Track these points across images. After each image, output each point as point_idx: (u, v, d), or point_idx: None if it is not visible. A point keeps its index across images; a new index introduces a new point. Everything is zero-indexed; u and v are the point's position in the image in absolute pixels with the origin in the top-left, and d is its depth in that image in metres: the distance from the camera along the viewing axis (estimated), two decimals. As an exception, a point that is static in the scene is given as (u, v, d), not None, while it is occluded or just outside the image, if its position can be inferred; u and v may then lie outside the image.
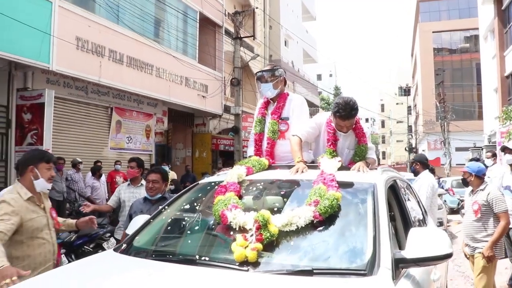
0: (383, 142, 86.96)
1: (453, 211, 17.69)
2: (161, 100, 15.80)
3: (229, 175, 3.38)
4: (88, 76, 11.85)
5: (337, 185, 2.95)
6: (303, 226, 2.65)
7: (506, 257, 5.61)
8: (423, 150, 48.78)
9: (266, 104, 4.32)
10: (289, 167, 3.62)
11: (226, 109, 19.30)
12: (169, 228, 3.26)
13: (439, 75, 40.59)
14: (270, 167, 3.85)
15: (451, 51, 49.25)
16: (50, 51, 10.37)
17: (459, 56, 48.04)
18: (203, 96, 17.59)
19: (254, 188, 3.34)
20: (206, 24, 18.27)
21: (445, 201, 16.54)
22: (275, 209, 2.90)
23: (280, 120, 4.15)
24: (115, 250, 3.03)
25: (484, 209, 5.09)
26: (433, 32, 48.55)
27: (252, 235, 2.58)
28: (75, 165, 11.54)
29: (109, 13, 12.59)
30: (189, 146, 19.34)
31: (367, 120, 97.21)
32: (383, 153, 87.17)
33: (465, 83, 45.73)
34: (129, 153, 14.48)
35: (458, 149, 38.17)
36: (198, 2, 17.08)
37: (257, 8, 22.54)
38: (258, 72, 4.33)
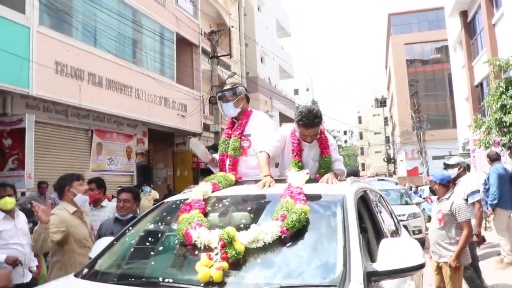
0: (362, 153, 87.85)
1: (431, 219, 17.99)
2: (141, 121, 15.89)
3: (194, 192, 3.28)
4: (68, 99, 11.93)
5: (305, 198, 2.89)
6: (271, 242, 2.55)
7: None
8: (401, 160, 49.58)
9: (232, 124, 4.26)
10: (257, 181, 3.52)
11: (206, 127, 19.47)
12: (133, 249, 3.09)
13: (413, 86, 41.49)
14: (237, 182, 3.76)
15: (424, 62, 50.39)
16: (29, 76, 10.47)
17: (431, 67, 49.21)
18: (183, 116, 17.75)
19: (220, 205, 3.22)
20: (183, 44, 18.51)
21: (423, 209, 16.88)
22: (242, 225, 2.77)
23: (242, 137, 4.09)
24: (75, 275, 2.87)
25: (447, 218, 5.22)
26: (405, 44, 49.65)
27: (217, 254, 2.47)
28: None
29: (87, 36, 12.73)
30: (170, 165, 19.42)
31: (345, 132, 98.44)
32: (363, 164, 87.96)
33: (438, 93, 46.70)
34: (111, 174, 14.56)
35: (435, 158, 38.80)
36: (174, 23, 17.33)
37: (232, 27, 22.90)
38: (218, 92, 4.30)
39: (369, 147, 75.85)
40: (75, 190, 4.32)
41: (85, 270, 2.85)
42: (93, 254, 3.15)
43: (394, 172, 54.81)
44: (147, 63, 15.92)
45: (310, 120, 3.54)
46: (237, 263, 2.47)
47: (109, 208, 5.62)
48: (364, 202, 3.47)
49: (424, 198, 18.30)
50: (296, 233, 2.62)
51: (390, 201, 13.31)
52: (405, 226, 11.43)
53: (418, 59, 50.82)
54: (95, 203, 5.68)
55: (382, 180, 18.42)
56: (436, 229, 5.40)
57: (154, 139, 18.10)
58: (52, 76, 11.26)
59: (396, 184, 16.58)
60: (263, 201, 3.22)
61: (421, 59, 50.80)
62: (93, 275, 2.77)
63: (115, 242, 3.17)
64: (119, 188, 11.65)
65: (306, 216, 2.70)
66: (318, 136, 3.75)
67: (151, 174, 18.70)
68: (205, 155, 4.28)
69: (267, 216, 2.82)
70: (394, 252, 2.39)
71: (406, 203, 13.65)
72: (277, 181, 3.44)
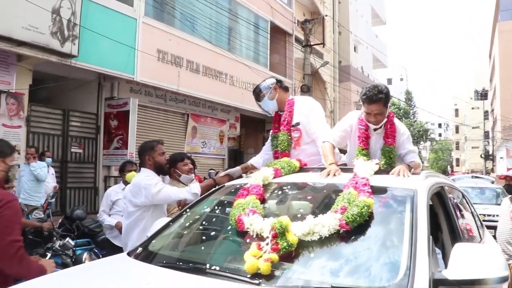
0: (457, 148, 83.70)
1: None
2: (234, 107, 16.52)
3: (254, 177, 3.14)
4: (168, 85, 12.78)
5: (370, 190, 2.63)
6: (327, 236, 2.34)
7: None
8: (501, 158, 46.78)
9: (278, 117, 4.12)
10: (322, 169, 3.31)
11: (296, 115, 19.68)
12: (185, 232, 3.03)
13: (520, 78, 38.82)
14: (301, 169, 3.57)
15: (535, 51, 46.80)
16: (134, 63, 11.35)
17: (543, 57, 45.64)
18: (274, 103, 18.12)
19: (280, 192, 3.06)
20: (277, 33, 18.86)
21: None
22: (300, 215, 2.57)
23: (292, 128, 3.92)
24: (129, 253, 2.86)
25: None
26: (514, 31, 46.32)
27: (267, 244, 2.30)
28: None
29: (186, 26, 13.46)
30: (260, 150, 19.87)
31: (440, 125, 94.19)
32: (457, 160, 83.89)
33: (549, 86, 43.36)
34: (204, 157, 15.41)
35: (539, 156, 36.39)
36: (269, 12, 17.72)
37: (326, 15, 22.88)
38: (252, 93, 4.20)
39: (466, 141, 72.14)
40: (180, 170, 4.67)
41: (139, 249, 2.83)
42: (150, 233, 3.12)
43: (492, 170, 51.72)
44: (241, 51, 16.47)
45: (373, 93, 3.35)
46: (288, 256, 2.30)
47: None
48: (440, 199, 3.18)
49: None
50: (356, 228, 2.39)
51: (484, 200, 13.00)
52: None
53: (529, 48, 47.24)
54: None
55: (476, 177, 17.58)
56: (509, 229, 5.33)
57: (246, 124, 18.65)
58: (154, 63, 12.09)
59: (492, 182, 15.76)
60: (325, 191, 2.99)
61: (531, 48, 47.20)
62: (145, 255, 2.73)
63: (171, 223, 3.11)
64: (211, 171, 12.33)
65: (370, 210, 2.46)
66: (385, 121, 3.53)
67: (242, 158, 19.30)
68: (235, 173, 4.10)
69: (328, 207, 2.57)
70: (469, 259, 2.06)
71: (502, 204, 13.04)
72: (343, 170, 3.22)
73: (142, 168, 4.15)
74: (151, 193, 3.82)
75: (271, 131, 4.20)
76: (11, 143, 3.23)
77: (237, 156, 18.70)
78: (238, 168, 4.16)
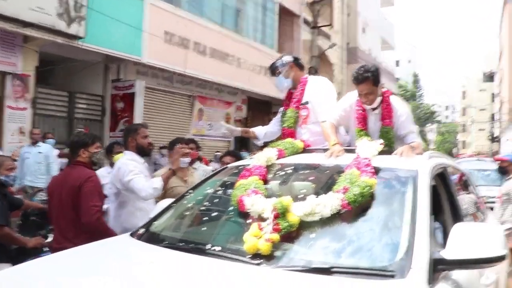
0: (464, 131, 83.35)
1: None
2: (241, 89, 16.38)
3: (257, 158, 3.14)
4: (175, 67, 12.66)
5: (372, 170, 2.63)
6: (329, 216, 2.33)
7: None
8: (507, 140, 46.57)
9: (289, 95, 4.12)
10: (325, 150, 3.31)
11: (303, 97, 19.58)
12: (188, 213, 3.06)
13: (528, 60, 38.46)
14: (305, 150, 3.57)
15: (544, 34, 46.26)
16: (141, 45, 11.25)
17: (552, 40, 45.14)
18: (281, 85, 18.00)
19: (283, 173, 3.04)
20: (285, 14, 18.58)
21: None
22: (302, 196, 2.52)
23: (300, 106, 3.93)
24: (131, 234, 2.89)
25: (506, 198, 5.42)
26: (522, 13, 45.74)
27: (268, 225, 2.29)
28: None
29: (193, 7, 13.29)
30: (267, 132, 19.83)
31: (446, 107, 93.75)
32: (463, 142, 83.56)
33: (557, 69, 42.94)
34: (210, 139, 15.33)
35: (546, 140, 36.21)
36: (277, -7, 17.48)
37: (335, -4, 22.57)
38: (268, 68, 4.21)
39: (472, 124, 71.84)
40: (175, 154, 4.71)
41: (141, 230, 2.88)
42: (153, 214, 3.17)
43: (497, 152, 51.68)
44: (248, 33, 16.30)
45: (359, 73, 3.41)
46: (289, 236, 2.30)
47: (201, 171, 5.84)
48: (443, 180, 3.11)
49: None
50: (357, 209, 2.40)
51: (489, 182, 13.05)
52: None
53: (538, 30, 46.70)
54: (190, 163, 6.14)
55: (479, 160, 17.65)
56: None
57: (253, 107, 18.56)
58: (161, 45, 11.97)
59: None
60: (328, 172, 2.98)
61: (541, 31, 46.64)
62: (147, 236, 2.77)
63: (174, 204, 3.14)
64: (217, 153, 12.28)
65: (371, 190, 2.47)
66: (380, 100, 3.56)
67: (248, 141, 19.29)
68: (234, 131, 4.27)
69: (330, 188, 2.55)
70: (468, 239, 2.07)
71: (507, 185, 13.06)
72: (347, 151, 3.21)
73: (125, 151, 4.29)
74: (123, 180, 3.94)
75: (282, 107, 4.20)
76: (92, 134, 4.15)
77: (243, 138, 18.65)
78: (239, 129, 4.32)
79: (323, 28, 20.49)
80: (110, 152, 6.14)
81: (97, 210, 3.57)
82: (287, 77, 4.01)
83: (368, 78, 3.41)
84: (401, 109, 3.67)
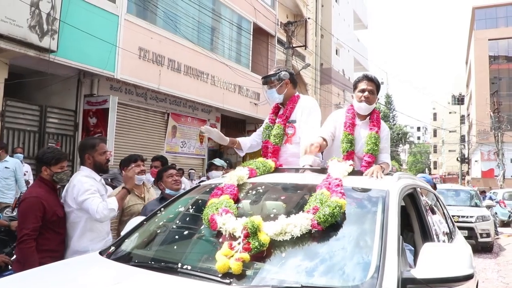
0: (435, 151, 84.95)
1: (504, 224, 17.46)
2: (215, 107, 16.43)
3: (229, 177, 3.15)
4: (149, 83, 12.62)
5: (342, 191, 2.65)
6: (299, 236, 2.36)
7: None
8: (476, 161, 47.66)
9: (277, 109, 4.09)
10: (297, 170, 3.43)
11: (277, 117, 19.72)
12: (159, 231, 3.02)
13: (494, 84, 39.80)
14: (276, 169, 3.58)
15: (508, 59, 47.97)
16: (115, 60, 11.19)
17: (517, 64, 46.77)
18: (255, 104, 18.13)
19: (254, 192, 3.05)
20: (259, 34, 18.83)
21: (495, 213, 16.37)
22: (273, 215, 2.57)
23: (287, 124, 3.89)
24: (101, 252, 2.85)
25: None
26: (489, 39, 47.42)
27: (239, 244, 2.31)
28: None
29: (169, 24, 13.33)
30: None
31: (418, 129, 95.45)
32: (435, 163, 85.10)
33: (522, 93, 44.35)
34: (183, 156, 15.32)
35: (513, 161, 37.18)
36: (252, 13, 17.68)
37: (309, 18, 22.97)
38: (262, 77, 4.13)
39: (443, 145, 73.25)
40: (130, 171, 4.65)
41: (112, 248, 2.84)
42: (124, 232, 3.14)
43: (467, 173, 52.75)
44: (223, 52, 16.42)
45: (369, 77, 3.73)
46: (260, 256, 2.31)
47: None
48: (412, 200, 3.25)
49: (497, 202, 17.70)
50: (328, 228, 2.42)
51: (459, 202, 13.31)
52: (472, 228, 11.36)
53: (503, 55, 48.42)
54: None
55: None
56: None
57: (227, 125, 18.60)
58: (136, 61, 11.95)
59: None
60: (300, 191, 3.01)
61: (506, 56, 48.34)
62: (117, 255, 2.74)
63: (145, 222, 3.12)
64: (191, 170, 12.14)
65: (342, 210, 2.49)
66: (371, 112, 3.73)
67: (222, 159, 19.27)
68: (221, 139, 4.09)
69: (302, 208, 2.58)
70: (437, 258, 2.14)
71: (476, 205, 13.34)
72: (318, 171, 3.27)
73: (81, 167, 4.02)
74: (77, 200, 3.71)
75: (267, 119, 4.13)
76: (61, 153, 4.01)
77: (216, 156, 18.61)
78: (227, 139, 4.13)
79: (297, 49, 20.79)
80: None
81: (24, 233, 3.46)
82: (280, 92, 3.95)
83: (375, 81, 3.70)
84: (384, 125, 3.80)
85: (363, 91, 3.65)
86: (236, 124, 19.45)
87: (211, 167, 9.55)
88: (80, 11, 10.07)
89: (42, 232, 3.57)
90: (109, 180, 7.05)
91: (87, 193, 3.72)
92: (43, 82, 10.26)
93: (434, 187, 10.39)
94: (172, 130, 15.00)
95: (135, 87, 12.92)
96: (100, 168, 4.04)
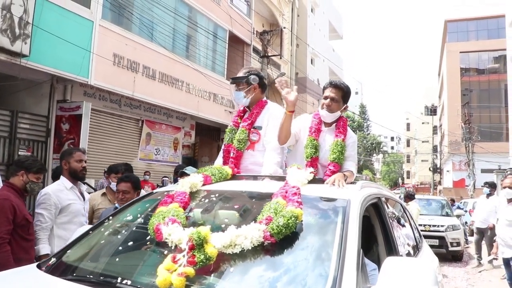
0: (408, 161, 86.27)
1: (473, 233, 17.75)
2: (190, 115, 16.42)
3: (181, 184, 2.93)
4: (123, 90, 12.56)
5: (299, 200, 2.48)
6: (250, 248, 2.16)
7: None
8: (448, 171, 48.51)
9: (243, 112, 3.89)
10: (255, 177, 3.29)
11: (252, 125, 19.81)
12: (103, 242, 2.77)
13: (466, 96, 40.67)
14: (233, 177, 3.39)
15: (479, 72, 49.07)
16: (89, 66, 11.11)
17: (486, 77, 47.93)
18: (230, 112, 18.15)
19: (207, 200, 2.83)
20: (235, 42, 18.93)
21: (466, 222, 16.67)
22: (224, 225, 2.34)
23: (252, 129, 3.72)
24: (38, 265, 2.59)
25: None
26: (460, 52, 48.50)
27: (184, 257, 2.10)
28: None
29: (144, 31, 13.32)
30: (215, 159, 19.83)
31: (392, 138, 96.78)
32: (408, 172, 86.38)
33: (492, 104, 45.41)
34: (157, 164, 15.25)
35: (483, 171, 37.96)
36: (228, 21, 17.78)
37: (284, 27, 23.18)
38: (232, 77, 3.96)
39: (416, 155, 74.40)
40: (111, 181, 4.91)
41: (52, 260, 2.61)
42: (69, 241, 2.91)
43: (440, 183, 53.68)
44: (199, 59, 16.45)
45: (337, 81, 3.70)
46: (207, 270, 2.12)
47: None
48: (376, 211, 3.09)
49: (466, 211, 18.03)
50: (282, 240, 2.24)
51: (431, 211, 13.52)
52: (443, 237, 11.55)
53: (474, 68, 49.55)
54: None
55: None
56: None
57: (201, 132, 18.61)
58: (110, 67, 11.89)
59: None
60: (256, 200, 2.80)
61: (476, 68, 49.50)
62: (56, 267, 2.50)
63: (90, 232, 2.88)
64: (165, 178, 12.06)
65: (298, 221, 2.31)
66: (337, 118, 3.64)
67: (196, 166, 19.11)
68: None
69: (256, 217, 2.41)
70: (399, 274, 1.98)
71: (447, 215, 13.58)
72: (278, 179, 3.08)
73: (61, 176, 4.17)
74: (36, 208, 3.87)
75: (231, 122, 3.93)
76: (41, 164, 3.98)
77: (191, 164, 18.48)
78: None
79: (273, 58, 20.95)
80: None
81: None
82: (248, 96, 3.75)
83: (342, 88, 3.60)
84: (351, 133, 3.70)
85: (325, 98, 3.60)
86: (211, 132, 19.46)
87: (182, 175, 9.46)
88: (54, 15, 9.99)
89: (10, 239, 3.52)
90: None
91: (43, 211, 3.89)
92: (15, 87, 10.12)
93: (413, 197, 10.59)
94: (147, 137, 14.93)
95: (109, 94, 12.83)
96: (75, 175, 4.13)
